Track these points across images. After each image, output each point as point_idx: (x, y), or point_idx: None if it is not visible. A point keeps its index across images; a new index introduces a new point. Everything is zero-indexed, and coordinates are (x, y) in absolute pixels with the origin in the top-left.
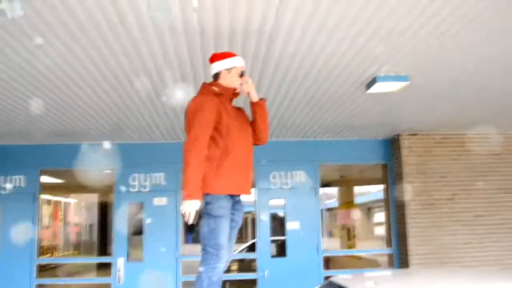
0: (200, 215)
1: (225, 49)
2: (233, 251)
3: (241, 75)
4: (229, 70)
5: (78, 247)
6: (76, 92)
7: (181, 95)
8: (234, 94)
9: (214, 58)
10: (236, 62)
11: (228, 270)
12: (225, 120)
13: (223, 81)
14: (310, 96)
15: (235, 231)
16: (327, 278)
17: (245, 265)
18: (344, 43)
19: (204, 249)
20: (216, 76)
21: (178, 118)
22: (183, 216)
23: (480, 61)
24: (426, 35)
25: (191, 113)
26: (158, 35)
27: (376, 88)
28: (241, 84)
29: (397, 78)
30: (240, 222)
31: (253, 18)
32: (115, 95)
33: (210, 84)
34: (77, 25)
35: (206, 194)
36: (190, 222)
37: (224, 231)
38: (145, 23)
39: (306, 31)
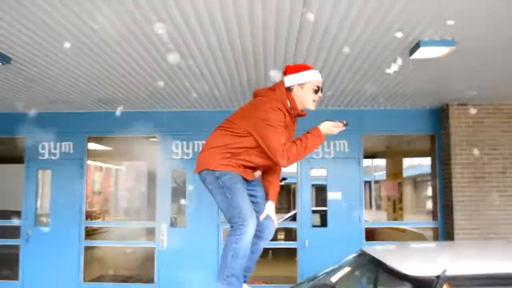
0: (211, 192)
1: (258, 15)
2: (273, 223)
3: (317, 90)
4: (302, 85)
5: (128, 213)
6: (116, 59)
7: None
8: (300, 114)
9: (288, 71)
10: (311, 77)
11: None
12: None
13: (295, 96)
14: (351, 62)
15: (263, 205)
16: None
17: (288, 235)
18: (384, 3)
19: (230, 221)
20: (289, 89)
21: (217, 86)
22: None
23: None
24: None
25: (265, 118)
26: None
27: (420, 54)
28: (314, 101)
29: (443, 42)
30: (263, 195)
31: None
32: (154, 63)
33: (287, 93)
34: None
35: (212, 171)
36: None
37: (243, 198)
38: None
39: None
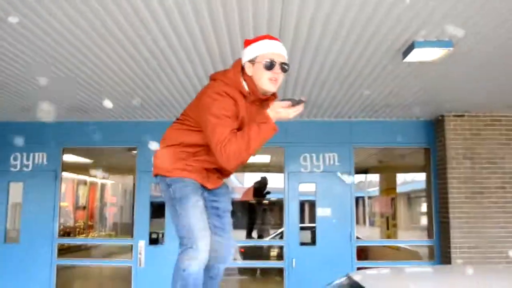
0: (165, 202)
1: (235, 12)
2: (233, 242)
3: (270, 66)
4: (252, 61)
5: (115, 228)
6: (96, 62)
7: None
8: (267, 98)
9: (244, 44)
10: (260, 49)
11: (255, 257)
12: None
13: (249, 76)
14: (339, 67)
15: (226, 219)
16: (360, 269)
17: (275, 253)
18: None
19: (180, 242)
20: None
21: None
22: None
23: None
24: None
25: (207, 106)
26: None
27: (415, 56)
28: (272, 81)
29: (439, 43)
30: (227, 207)
31: None
32: (138, 69)
33: (243, 73)
34: None
35: (164, 177)
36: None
37: (197, 214)
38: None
39: None
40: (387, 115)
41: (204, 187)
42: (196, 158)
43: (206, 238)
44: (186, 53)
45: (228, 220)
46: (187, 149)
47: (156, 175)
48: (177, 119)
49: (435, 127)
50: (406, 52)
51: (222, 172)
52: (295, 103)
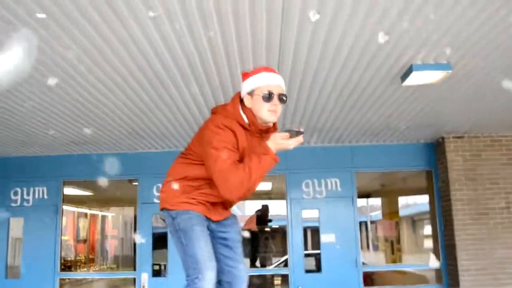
0: (171, 236)
1: (233, 39)
2: (244, 272)
3: (268, 97)
4: (251, 93)
5: (116, 261)
6: (96, 95)
7: None
8: (268, 129)
9: (242, 78)
10: (258, 81)
11: (260, 287)
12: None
13: (248, 108)
14: (338, 91)
15: (237, 250)
16: None
17: (279, 282)
18: (370, 23)
19: (186, 274)
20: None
21: (198, 125)
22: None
23: None
24: (469, 4)
25: (208, 140)
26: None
27: (413, 79)
28: (272, 112)
29: (437, 66)
30: (237, 237)
31: None
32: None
33: (242, 106)
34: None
35: (168, 210)
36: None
37: (202, 245)
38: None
39: (324, 7)
40: (388, 138)
41: (209, 219)
42: (200, 191)
43: (212, 269)
44: (184, 81)
45: (239, 250)
46: (191, 183)
47: (162, 209)
48: (181, 153)
49: (436, 149)
50: (404, 76)
51: (226, 204)
52: (294, 134)
